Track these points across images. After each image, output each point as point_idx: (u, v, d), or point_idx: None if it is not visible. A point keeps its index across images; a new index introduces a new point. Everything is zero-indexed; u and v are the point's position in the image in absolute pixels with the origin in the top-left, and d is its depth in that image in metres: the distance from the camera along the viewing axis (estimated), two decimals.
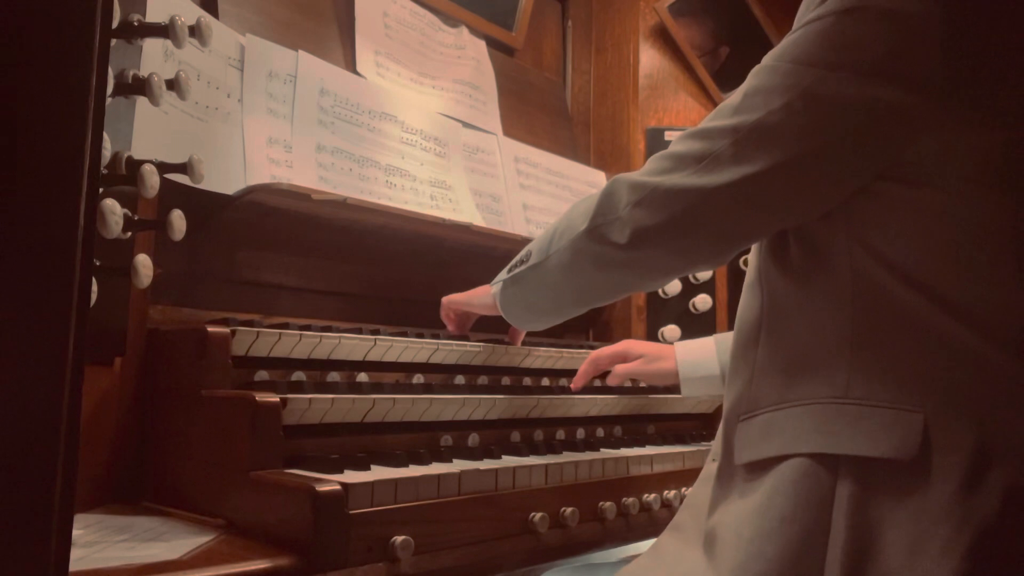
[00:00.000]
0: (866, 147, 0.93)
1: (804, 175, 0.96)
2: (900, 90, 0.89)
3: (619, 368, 1.67)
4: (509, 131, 2.20)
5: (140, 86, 0.95)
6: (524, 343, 1.64)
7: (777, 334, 1.01)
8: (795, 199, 0.98)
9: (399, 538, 1.01)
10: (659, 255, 1.09)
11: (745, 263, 2.05)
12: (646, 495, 1.42)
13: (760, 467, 0.96)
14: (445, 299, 1.60)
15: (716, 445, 1.17)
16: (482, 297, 1.51)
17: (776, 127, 0.95)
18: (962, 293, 0.90)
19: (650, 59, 2.50)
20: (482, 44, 2.21)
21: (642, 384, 1.87)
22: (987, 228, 0.90)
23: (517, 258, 1.35)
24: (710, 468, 1.17)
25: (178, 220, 0.98)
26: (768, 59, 0.98)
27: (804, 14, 0.97)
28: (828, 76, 0.91)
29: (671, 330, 2.17)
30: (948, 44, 0.88)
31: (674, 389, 1.86)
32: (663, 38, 2.49)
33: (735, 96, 1.00)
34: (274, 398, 1.09)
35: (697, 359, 1.66)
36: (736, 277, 2.17)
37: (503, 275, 1.38)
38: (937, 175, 0.91)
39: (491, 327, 1.66)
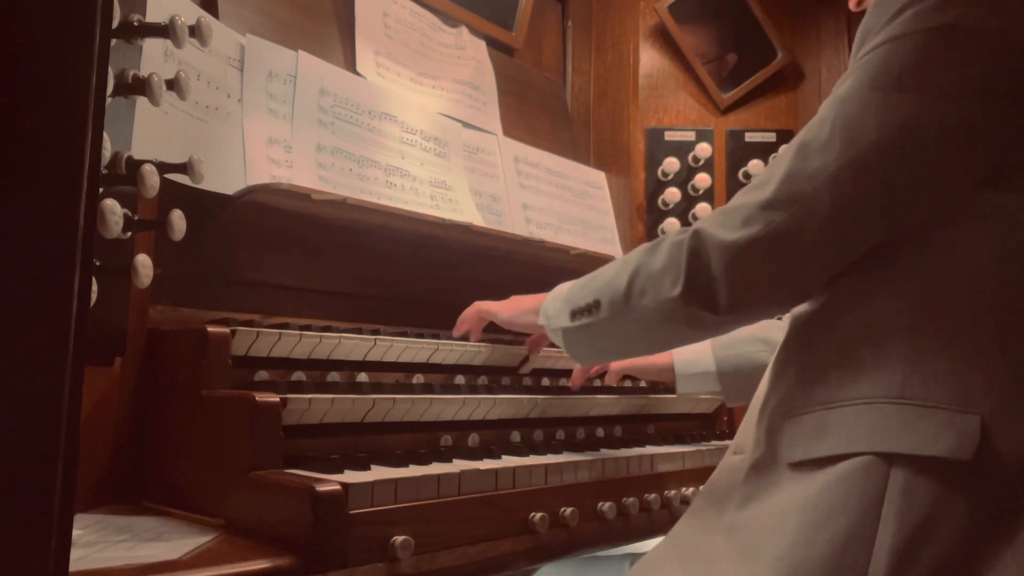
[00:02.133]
0: (966, 167, 0.93)
1: (905, 203, 0.95)
2: (1002, 108, 0.90)
3: (615, 365, 1.68)
4: (509, 131, 2.20)
5: (140, 86, 0.95)
6: (519, 344, 1.64)
7: (831, 333, 1.00)
8: (893, 224, 0.97)
9: (399, 538, 1.01)
10: (760, 309, 1.07)
11: None
12: (646, 495, 1.42)
13: (811, 466, 0.95)
14: (483, 306, 1.56)
15: (742, 439, 1.17)
16: (526, 317, 1.47)
17: (873, 160, 0.93)
18: None
19: (650, 59, 2.50)
20: (482, 44, 2.21)
21: (642, 383, 1.87)
22: None
23: (581, 303, 1.27)
24: (731, 460, 1.17)
25: (178, 220, 0.98)
26: (851, 87, 0.96)
27: (875, 30, 0.96)
28: (925, 102, 0.91)
29: None
30: None
31: (673, 387, 1.87)
32: (663, 38, 2.50)
33: (819, 131, 0.97)
34: (274, 398, 1.09)
35: (693, 356, 1.66)
36: None
37: (564, 320, 1.31)
38: (1019, 179, 0.92)
39: (494, 328, 1.66)
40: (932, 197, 0.95)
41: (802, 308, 1.07)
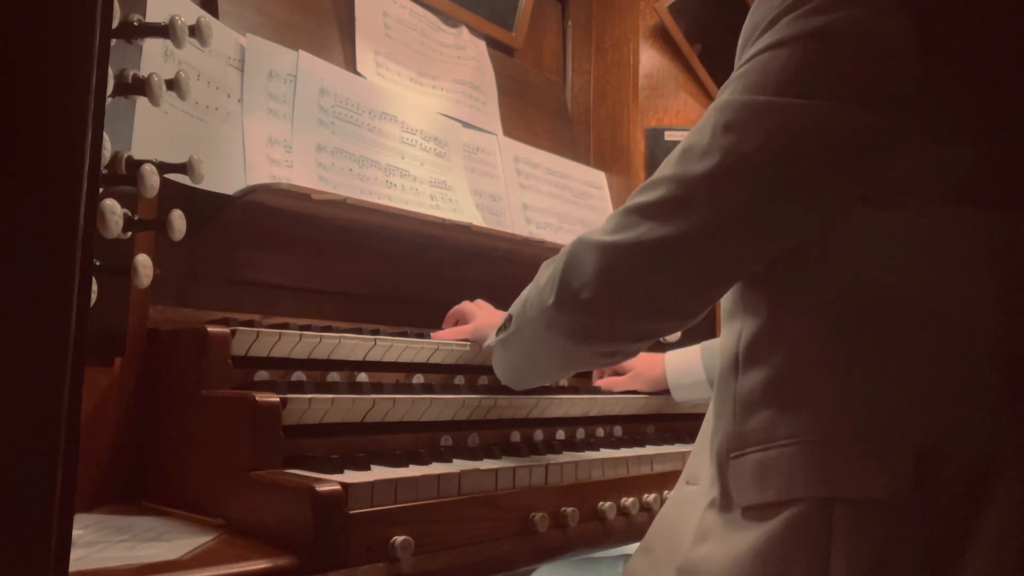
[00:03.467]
0: (847, 173, 0.89)
1: (786, 209, 0.91)
2: (879, 113, 0.86)
3: (617, 382, 1.75)
4: (509, 131, 2.20)
5: (140, 86, 0.95)
6: None
7: (758, 365, 0.96)
8: (777, 234, 0.94)
9: (399, 538, 1.01)
10: (634, 318, 1.02)
11: None
12: (646, 495, 1.42)
13: (759, 510, 0.93)
14: (460, 321, 1.58)
15: (694, 468, 1.15)
16: (487, 332, 1.46)
17: (755, 166, 0.90)
18: (946, 313, 0.88)
19: (650, 59, 2.50)
20: (482, 44, 2.21)
21: None
22: (964, 246, 0.88)
23: (504, 319, 1.27)
24: (684, 491, 1.15)
25: (178, 220, 0.98)
26: (732, 92, 0.93)
27: (752, 38, 0.93)
28: (803, 106, 0.87)
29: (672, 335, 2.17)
30: (921, 62, 0.85)
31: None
32: (663, 38, 2.50)
33: (701, 135, 0.94)
34: (274, 398, 1.09)
35: (683, 367, 1.72)
36: None
37: (493, 336, 1.32)
38: (913, 195, 0.88)
39: None
40: (812, 207, 0.91)
41: (728, 339, 1.02)
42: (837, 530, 0.86)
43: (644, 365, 1.77)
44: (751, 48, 0.93)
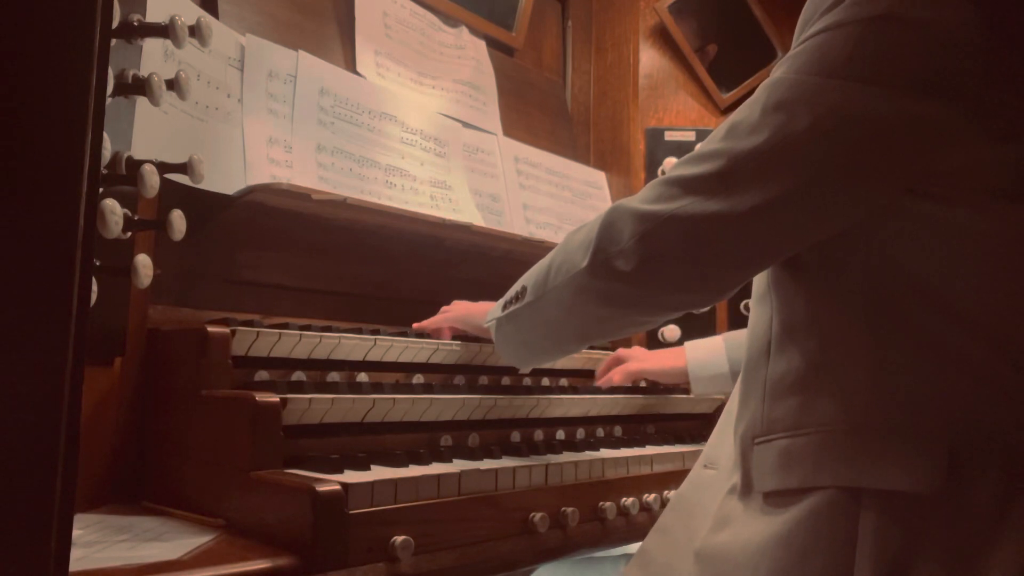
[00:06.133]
0: (897, 162, 0.87)
1: (833, 194, 0.90)
2: (935, 104, 0.84)
3: (632, 367, 1.72)
4: (509, 131, 2.21)
5: (140, 86, 0.95)
6: None
7: (789, 351, 0.95)
8: (821, 218, 0.92)
9: (399, 538, 1.01)
10: (669, 289, 1.02)
11: None
12: (646, 495, 1.42)
13: (781, 496, 0.92)
14: (443, 314, 1.57)
15: (713, 453, 1.14)
16: (478, 319, 1.44)
17: (803, 146, 0.88)
18: (983, 312, 0.87)
19: (650, 59, 2.50)
20: (482, 44, 2.21)
21: (642, 383, 1.87)
22: (1010, 245, 0.87)
23: (511, 293, 1.26)
24: (702, 474, 1.15)
25: (178, 220, 0.98)
26: (787, 71, 0.91)
27: (813, 19, 0.92)
28: (858, 90, 0.86)
29: (671, 330, 2.17)
30: (983, 55, 0.84)
31: (676, 389, 1.88)
32: (663, 38, 2.50)
33: (751, 112, 0.92)
34: (274, 398, 1.09)
35: (706, 358, 1.68)
36: None
37: (497, 311, 1.30)
38: (963, 190, 0.87)
39: None
40: (859, 195, 0.90)
41: (759, 323, 1.01)
42: (865, 520, 0.85)
43: (660, 356, 1.75)
44: (810, 28, 0.92)
